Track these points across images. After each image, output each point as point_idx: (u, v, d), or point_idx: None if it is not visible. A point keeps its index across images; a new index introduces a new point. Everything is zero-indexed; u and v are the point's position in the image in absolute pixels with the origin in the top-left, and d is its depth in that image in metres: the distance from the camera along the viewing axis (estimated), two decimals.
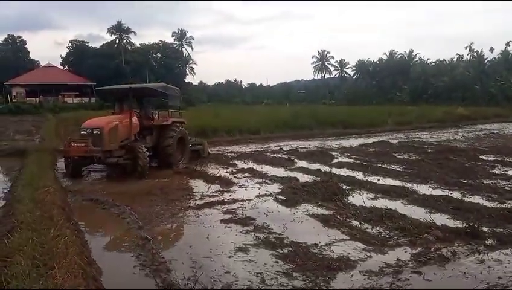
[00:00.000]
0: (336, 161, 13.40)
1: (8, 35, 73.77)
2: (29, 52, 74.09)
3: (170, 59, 68.11)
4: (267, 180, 10.19)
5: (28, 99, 52.31)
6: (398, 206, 7.50)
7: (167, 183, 10.00)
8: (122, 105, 11.87)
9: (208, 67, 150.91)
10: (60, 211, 6.61)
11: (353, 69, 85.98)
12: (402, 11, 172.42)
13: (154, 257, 5.22)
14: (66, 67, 68.45)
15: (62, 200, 7.86)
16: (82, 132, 10.18)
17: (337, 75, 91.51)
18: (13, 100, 51.60)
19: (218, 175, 10.58)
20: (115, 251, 5.76)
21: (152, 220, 6.97)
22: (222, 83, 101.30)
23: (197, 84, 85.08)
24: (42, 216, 5.88)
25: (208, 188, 9.27)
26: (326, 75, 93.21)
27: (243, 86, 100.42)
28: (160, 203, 8.05)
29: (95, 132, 10.03)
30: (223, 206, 7.76)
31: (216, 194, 8.73)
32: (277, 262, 5.10)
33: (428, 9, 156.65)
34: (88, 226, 6.82)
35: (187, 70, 75.53)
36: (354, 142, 19.78)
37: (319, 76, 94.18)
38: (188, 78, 75.65)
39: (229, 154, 15.23)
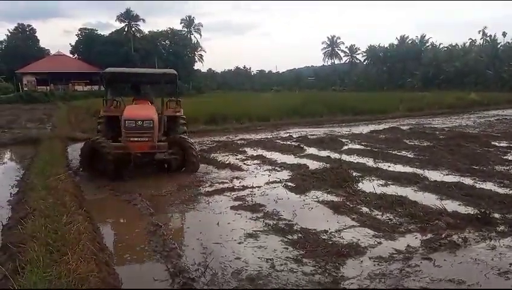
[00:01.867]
0: (346, 147, 13.38)
1: (18, 23, 74.39)
2: (39, 40, 74.69)
3: (179, 46, 68.05)
4: (276, 167, 10.22)
5: (38, 87, 52.81)
6: (409, 192, 7.48)
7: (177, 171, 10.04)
8: (136, 92, 10.87)
9: (216, 55, 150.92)
10: (73, 198, 6.70)
11: (363, 54, 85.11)
12: None
13: (165, 243, 5.28)
14: (76, 55, 68.82)
15: (74, 187, 7.97)
16: (128, 124, 8.64)
17: (347, 61, 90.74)
18: (24, 88, 52.13)
19: (227, 162, 10.62)
20: (127, 236, 5.83)
21: (163, 207, 7.04)
22: (231, 70, 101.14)
23: (205, 71, 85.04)
24: (55, 203, 5.96)
25: (218, 175, 9.32)
26: (336, 61, 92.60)
27: (252, 73, 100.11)
28: (171, 189, 8.11)
29: (145, 124, 8.73)
30: (232, 193, 7.80)
31: (226, 181, 8.79)
32: (287, 248, 5.14)
33: None
34: (100, 212, 6.89)
35: (196, 58, 75.48)
36: (364, 128, 19.68)
37: (329, 62, 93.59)
38: (197, 66, 75.66)
39: (238, 142, 15.24)
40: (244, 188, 8.16)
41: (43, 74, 55.72)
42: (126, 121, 8.60)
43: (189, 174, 9.20)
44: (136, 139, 8.63)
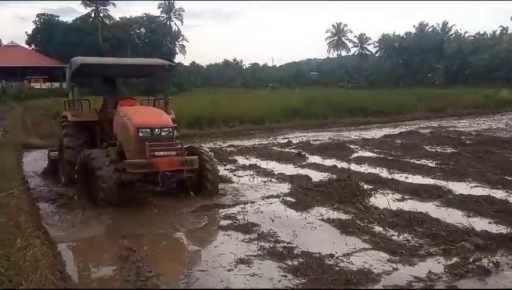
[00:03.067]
0: (355, 155, 13.44)
1: None
2: None
3: (156, 35, 68.12)
4: (273, 179, 10.27)
5: None
6: (430, 208, 7.52)
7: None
8: (111, 89, 10.19)
9: (201, 45, 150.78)
10: (28, 217, 6.65)
11: (375, 45, 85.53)
12: None
13: (140, 271, 5.25)
14: (33, 47, 68.54)
15: (30, 205, 7.92)
16: (143, 134, 7.97)
17: (356, 53, 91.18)
18: None
19: None
20: (94, 263, 5.79)
21: (139, 226, 7.01)
22: (219, 63, 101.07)
23: (188, 65, 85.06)
24: (7, 224, 5.90)
25: None
26: (343, 53, 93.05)
27: (244, 67, 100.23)
28: (148, 207, 8.10)
29: (164, 133, 8.15)
30: (221, 210, 7.83)
31: (213, 195, 8.77)
32: (285, 276, 5.14)
33: None
34: (61, 234, 6.84)
35: (176, 49, 75.53)
36: (377, 132, 19.80)
37: (334, 54, 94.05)
38: (178, 58, 75.61)
39: (227, 149, 15.27)
40: (235, 204, 8.18)
41: None
42: (139, 130, 7.92)
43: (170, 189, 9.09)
44: (162, 153, 7.91)
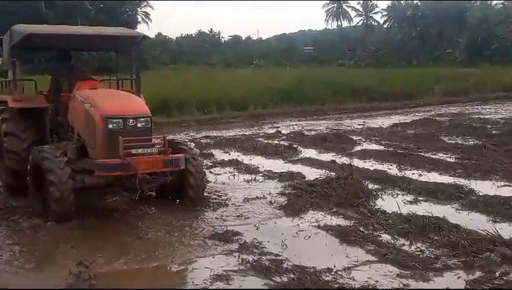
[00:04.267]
0: (358, 148, 13.52)
1: None
2: None
3: (113, 0, 67.30)
4: (258, 177, 10.31)
5: None
6: (448, 212, 7.58)
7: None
8: (64, 66, 9.57)
9: (170, 13, 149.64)
10: None
11: (383, 14, 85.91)
12: None
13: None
14: None
15: None
16: (113, 126, 7.49)
17: (360, 24, 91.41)
18: None
19: None
20: (38, 278, 5.74)
21: (89, 238, 6.97)
22: (191, 35, 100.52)
23: (153, 37, 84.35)
24: None
25: None
26: (345, 24, 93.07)
27: (222, 40, 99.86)
28: (99, 210, 8.10)
29: (140, 124, 7.74)
30: (194, 215, 7.82)
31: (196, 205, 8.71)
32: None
33: None
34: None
35: (138, 17, 74.81)
36: (384, 121, 19.92)
37: (333, 25, 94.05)
38: (141, 28, 74.88)
39: (202, 141, 15.25)
40: (212, 207, 8.22)
41: None
42: (109, 121, 7.46)
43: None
44: (140, 151, 7.55)
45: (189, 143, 8.81)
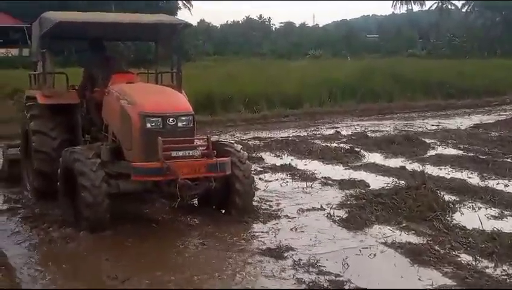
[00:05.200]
0: (432, 153, 13.40)
1: None
2: None
3: None
4: (315, 185, 10.33)
5: None
6: None
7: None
8: (100, 58, 9.75)
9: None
10: None
11: None
12: None
13: None
14: None
15: None
16: (150, 125, 7.60)
17: (434, 8, 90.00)
18: None
19: None
20: None
21: (124, 250, 7.13)
22: (238, 22, 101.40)
23: (196, 25, 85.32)
24: None
25: None
26: (416, 8, 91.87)
27: (274, 28, 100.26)
28: (136, 220, 8.24)
29: (181, 123, 7.83)
30: (243, 228, 7.90)
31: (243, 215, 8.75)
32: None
33: None
34: (21, 259, 6.93)
35: (179, 3, 75.85)
36: (463, 121, 19.68)
37: (402, 9, 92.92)
38: (181, 15, 75.89)
39: (250, 142, 15.35)
40: (262, 219, 8.26)
41: None
42: (147, 119, 7.59)
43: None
44: (181, 154, 7.68)
45: (235, 145, 8.81)
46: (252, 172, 9.10)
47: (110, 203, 7.53)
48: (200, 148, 7.92)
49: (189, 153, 7.68)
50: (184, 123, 7.81)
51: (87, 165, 7.46)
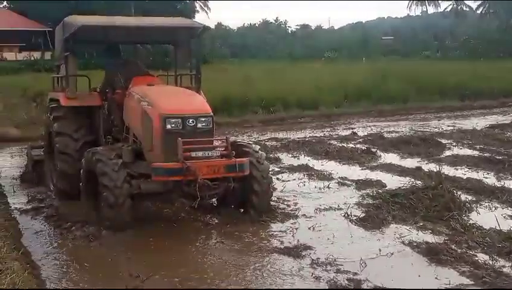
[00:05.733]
0: (448, 153, 13.33)
1: None
2: None
3: None
4: (332, 185, 10.32)
5: None
6: None
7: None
8: (121, 61, 10.10)
9: (231, 1, 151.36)
10: (3, 233, 6.87)
11: None
12: None
13: None
14: (5, 3, 70.47)
15: (5, 217, 8.17)
16: (170, 126, 7.65)
17: (449, 9, 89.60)
18: None
19: None
20: None
21: (145, 248, 7.17)
22: (255, 25, 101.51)
23: (213, 28, 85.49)
24: None
25: None
26: (431, 10, 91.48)
27: (290, 31, 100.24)
28: (157, 220, 8.33)
29: (201, 125, 7.87)
30: (262, 228, 7.93)
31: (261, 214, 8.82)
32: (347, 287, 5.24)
33: None
34: (48, 257, 7.04)
35: (196, 5, 76.08)
36: (479, 121, 19.55)
37: (417, 11, 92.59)
38: (199, 18, 76.12)
39: (267, 143, 15.35)
40: (281, 218, 8.30)
41: None
42: (167, 120, 7.65)
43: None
44: (200, 154, 7.72)
45: (253, 145, 8.86)
46: (270, 172, 9.10)
47: (132, 204, 7.59)
48: (219, 149, 7.92)
49: (208, 154, 7.71)
50: (203, 124, 7.85)
51: (109, 165, 7.52)
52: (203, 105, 8.20)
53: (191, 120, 7.73)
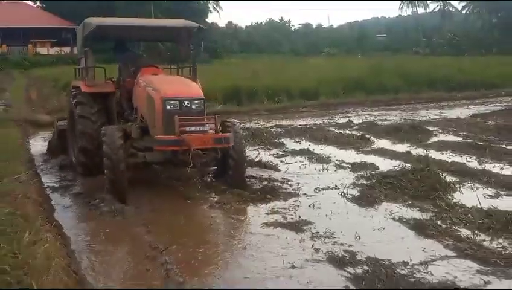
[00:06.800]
0: (435, 139, 13.31)
1: None
2: None
3: None
4: (330, 168, 10.35)
5: None
6: None
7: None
8: (131, 54, 10.91)
9: (240, 2, 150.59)
10: (37, 207, 6.92)
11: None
12: None
13: (169, 275, 5.39)
14: (38, 4, 70.36)
15: (40, 193, 8.23)
16: (169, 106, 8.30)
17: (436, 10, 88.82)
18: None
19: (258, 159, 10.76)
20: (113, 263, 6.00)
21: (164, 222, 7.24)
22: (262, 24, 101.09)
23: (224, 26, 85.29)
24: (13, 215, 6.17)
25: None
26: (420, 10, 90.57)
27: (293, 29, 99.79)
28: (176, 199, 8.35)
29: (195, 106, 8.51)
30: (266, 205, 7.96)
31: (256, 185, 8.93)
32: (347, 287, 5.18)
33: None
34: (77, 229, 7.13)
35: (210, 5, 75.71)
36: (463, 111, 19.51)
37: (408, 11, 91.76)
38: (212, 17, 75.94)
39: (273, 130, 15.37)
40: (284, 196, 8.33)
41: None
42: (167, 102, 8.31)
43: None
44: (193, 129, 8.28)
45: (235, 121, 9.70)
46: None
47: (126, 167, 8.17)
48: (209, 125, 8.44)
49: (200, 129, 8.31)
50: (196, 106, 8.50)
51: (109, 134, 8.29)
52: (197, 90, 8.88)
53: (186, 102, 8.40)
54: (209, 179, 9.37)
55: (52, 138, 11.97)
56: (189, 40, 10.82)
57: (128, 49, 11.16)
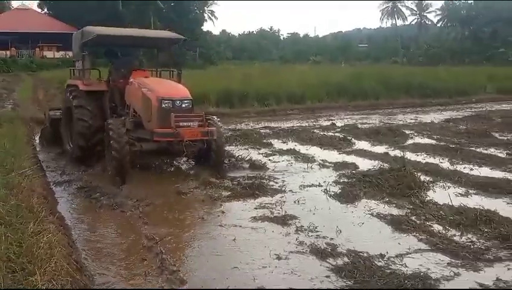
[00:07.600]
0: (410, 141, 13.37)
1: None
2: None
3: (183, 0, 68.32)
4: (314, 166, 10.36)
5: None
6: (500, 206, 7.39)
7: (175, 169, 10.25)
8: (125, 59, 11.38)
9: (233, 11, 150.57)
10: (41, 200, 6.87)
11: (438, 13, 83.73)
12: None
13: (164, 264, 5.37)
14: (46, 10, 69.91)
15: (44, 186, 8.17)
16: (164, 105, 9.04)
17: (414, 22, 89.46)
18: None
19: (247, 158, 10.74)
20: (113, 253, 5.94)
21: (160, 215, 7.19)
22: (253, 32, 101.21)
23: (218, 34, 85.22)
24: (18, 206, 6.12)
25: (234, 176, 9.49)
26: (399, 22, 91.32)
27: (282, 38, 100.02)
28: (172, 194, 8.31)
29: (184, 105, 9.30)
30: (255, 200, 7.94)
31: (245, 183, 8.87)
32: (328, 277, 5.19)
33: None
34: (78, 220, 7.11)
35: (205, 15, 75.68)
36: (437, 116, 19.63)
37: (388, 23, 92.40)
38: (207, 26, 75.93)
39: (262, 131, 15.36)
40: (271, 192, 8.32)
41: (1, 34, 56.81)
42: (162, 102, 9.07)
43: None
44: (185, 124, 9.17)
45: (215, 118, 10.09)
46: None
47: (131, 158, 8.88)
48: (197, 121, 9.22)
49: (190, 124, 9.13)
50: (186, 104, 9.32)
51: (115, 125, 9.01)
52: (186, 92, 9.61)
53: (178, 101, 9.20)
54: (201, 176, 9.32)
55: (45, 126, 12.56)
56: (169, 48, 11.85)
57: (117, 54, 11.68)
